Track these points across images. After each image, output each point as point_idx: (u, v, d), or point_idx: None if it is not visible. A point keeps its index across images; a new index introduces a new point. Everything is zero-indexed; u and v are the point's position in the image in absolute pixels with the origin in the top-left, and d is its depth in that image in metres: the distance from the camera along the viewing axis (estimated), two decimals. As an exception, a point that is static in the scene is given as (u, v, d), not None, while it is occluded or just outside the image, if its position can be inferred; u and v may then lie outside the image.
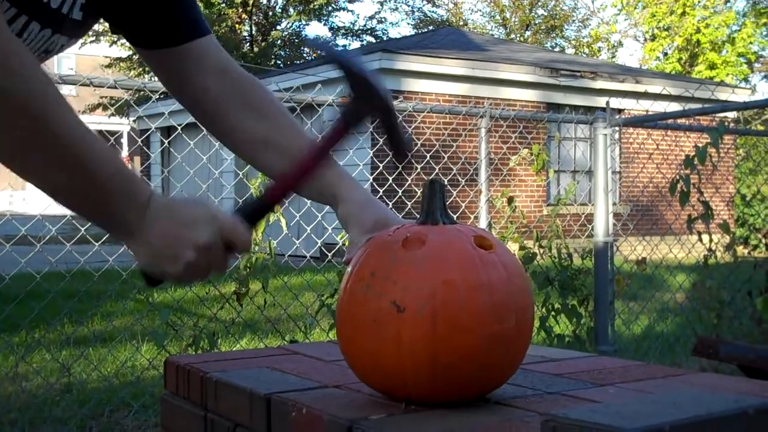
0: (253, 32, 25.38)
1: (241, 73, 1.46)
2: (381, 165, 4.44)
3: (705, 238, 4.74)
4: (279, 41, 26.20)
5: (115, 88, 3.63)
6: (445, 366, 1.13)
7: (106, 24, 1.37)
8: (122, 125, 20.95)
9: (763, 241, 5.34)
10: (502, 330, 1.15)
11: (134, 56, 22.02)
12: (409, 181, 4.79)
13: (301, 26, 27.04)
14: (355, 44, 27.87)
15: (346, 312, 1.21)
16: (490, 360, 1.15)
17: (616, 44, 34.36)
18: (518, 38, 32.00)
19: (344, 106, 1.19)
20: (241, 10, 24.33)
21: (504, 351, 1.17)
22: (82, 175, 1.05)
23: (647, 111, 4.85)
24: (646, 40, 31.89)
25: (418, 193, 1.34)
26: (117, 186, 1.07)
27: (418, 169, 4.51)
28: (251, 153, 1.46)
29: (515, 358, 1.22)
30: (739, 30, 28.72)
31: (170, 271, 1.10)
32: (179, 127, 4.20)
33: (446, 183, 4.96)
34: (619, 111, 11.97)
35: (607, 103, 4.64)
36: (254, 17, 25.23)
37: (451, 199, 5.39)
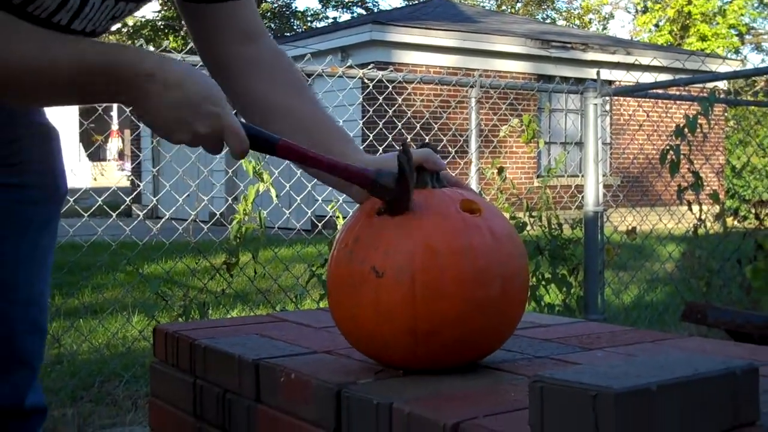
0: (243, 3, 25.18)
1: (269, 42, 1.48)
2: (371, 135, 4.43)
3: (695, 207, 4.75)
4: (269, 13, 26.01)
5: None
6: (425, 332, 1.11)
7: None
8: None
9: (753, 212, 5.35)
10: (486, 296, 1.12)
11: (129, 29, 21.81)
12: (399, 152, 4.77)
13: (291, -2, 26.87)
14: (346, 16, 27.68)
15: (331, 279, 1.21)
16: (474, 326, 1.12)
17: (607, 16, 34.27)
18: (509, 10, 31.83)
19: (384, 179, 1.18)
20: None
21: (489, 318, 1.13)
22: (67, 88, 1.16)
23: (637, 82, 4.84)
24: (637, 12, 31.79)
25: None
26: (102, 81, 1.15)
27: (408, 140, 4.49)
28: (265, 118, 1.44)
29: (504, 324, 1.19)
30: (731, 2, 28.64)
31: (172, 138, 1.20)
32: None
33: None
34: (610, 83, 11.95)
35: (598, 73, 4.62)
36: (243, -12, 25.02)
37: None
